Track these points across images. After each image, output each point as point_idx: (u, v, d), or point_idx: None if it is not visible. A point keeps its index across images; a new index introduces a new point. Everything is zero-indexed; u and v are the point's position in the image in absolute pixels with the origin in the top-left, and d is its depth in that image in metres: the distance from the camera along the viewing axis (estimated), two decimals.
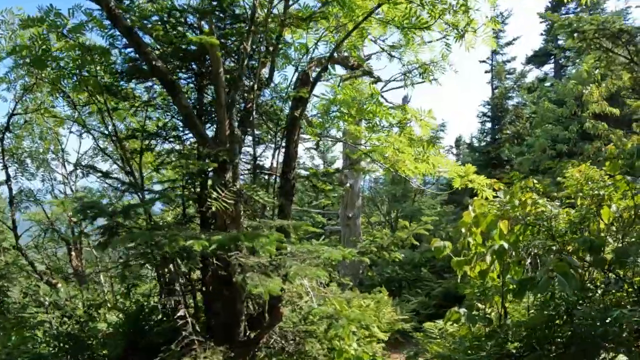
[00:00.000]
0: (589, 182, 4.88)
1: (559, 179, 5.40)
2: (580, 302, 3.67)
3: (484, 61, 24.94)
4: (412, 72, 8.35)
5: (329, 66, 6.51)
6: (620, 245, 4.20)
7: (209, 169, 4.88)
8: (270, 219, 5.06)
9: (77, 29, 5.42)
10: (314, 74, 5.44)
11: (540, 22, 29.98)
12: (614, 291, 3.86)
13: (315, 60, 5.67)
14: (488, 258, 4.57)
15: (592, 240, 3.82)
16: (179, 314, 4.92)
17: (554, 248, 4.18)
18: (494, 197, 5.22)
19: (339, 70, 7.43)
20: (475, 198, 5.22)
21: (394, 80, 9.46)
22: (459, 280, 5.75)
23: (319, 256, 4.16)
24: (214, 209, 4.13)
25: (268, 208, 5.57)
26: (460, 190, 7.77)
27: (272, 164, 5.73)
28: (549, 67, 30.03)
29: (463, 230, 5.38)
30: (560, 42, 27.85)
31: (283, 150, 5.48)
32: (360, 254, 5.13)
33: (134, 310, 6.75)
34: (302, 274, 4.00)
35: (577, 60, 18.97)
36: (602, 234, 4.49)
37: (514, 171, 5.13)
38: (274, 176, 5.69)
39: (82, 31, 5.56)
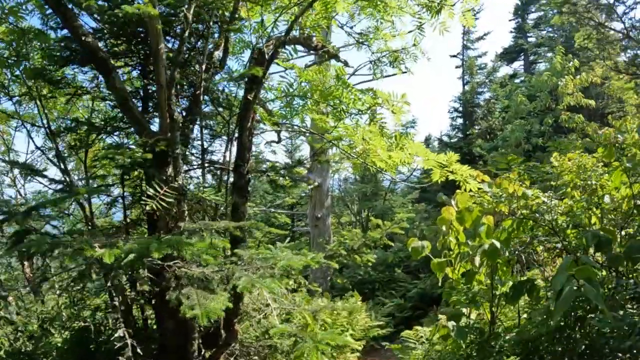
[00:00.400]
0: (581, 172, 4.35)
1: (547, 168, 4.86)
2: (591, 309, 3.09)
3: (454, 56, 24.61)
4: (382, 61, 7.74)
5: (291, 49, 5.85)
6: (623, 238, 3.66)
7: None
8: (222, 220, 4.34)
9: (16, 10, 4.76)
10: (270, 54, 4.75)
11: (510, 20, 30.07)
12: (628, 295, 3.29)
13: (273, 39, 4.98)
14: (477, 259, 3.95)
15: (601, 235, 3.23)
16: (117, 335, 4.20)
17: (558, 245, 3.60)
18: (479, 189, 4.62)
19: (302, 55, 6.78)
20: (458, 191, 4.61)
21: (362, 70, 8.79)
22: (439, 284, 5.17)
23: (275, 264, 3.46)
24: (148, 208, 3.43)
25: (222, 208, 4.86)
26: (432, 187, 7.18)
27: (224, 157, 5.01)
28: (518, 64, 30.16)
29: (444, 228, 4.78)
30: (531, 39, 27.94)
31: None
32: (328, 259, 4.44)
33: (79, 328, 6.08)
34: (258, 285, 3.30)
35: (549, 55, 18.76)
36: (598, 227, 3.96)
37: (513, 155, 4.54)
38: (227, 171, 4.97)
39: (22, 13, 4.88)
